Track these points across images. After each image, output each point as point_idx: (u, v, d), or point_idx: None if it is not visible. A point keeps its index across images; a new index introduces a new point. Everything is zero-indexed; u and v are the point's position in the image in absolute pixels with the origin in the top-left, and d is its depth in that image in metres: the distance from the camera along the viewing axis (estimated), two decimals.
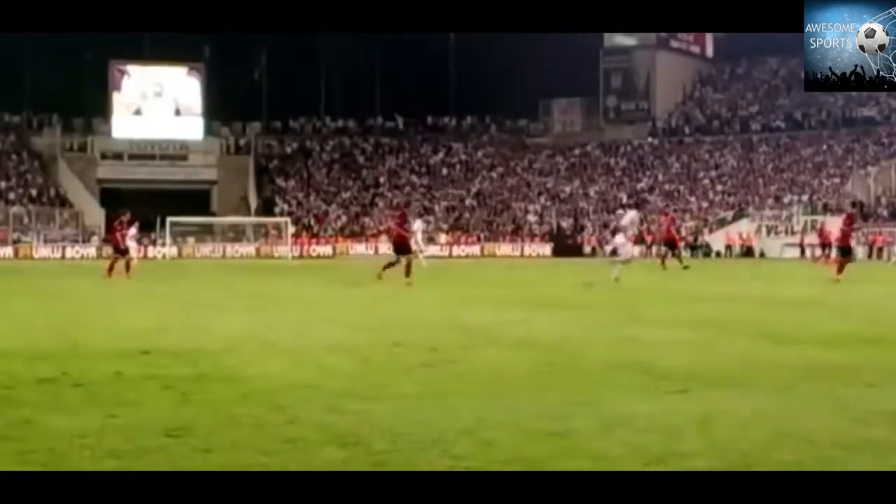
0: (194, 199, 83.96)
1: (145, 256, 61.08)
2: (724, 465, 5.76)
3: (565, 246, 78.91)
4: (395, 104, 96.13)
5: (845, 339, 12.35)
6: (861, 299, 21.84)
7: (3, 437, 6.54)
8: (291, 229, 76.97)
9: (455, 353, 10.85)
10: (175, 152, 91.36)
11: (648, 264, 42.32)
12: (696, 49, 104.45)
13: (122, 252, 33.35)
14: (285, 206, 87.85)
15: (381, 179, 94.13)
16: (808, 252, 68.78)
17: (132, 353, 10.81)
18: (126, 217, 34.79)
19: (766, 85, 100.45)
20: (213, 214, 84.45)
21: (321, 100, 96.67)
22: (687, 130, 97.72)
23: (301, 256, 72.95)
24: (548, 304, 19.54)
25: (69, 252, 72.87)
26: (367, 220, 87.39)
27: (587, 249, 77.69)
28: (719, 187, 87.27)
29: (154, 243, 71.60)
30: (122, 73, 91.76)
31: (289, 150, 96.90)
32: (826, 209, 74.52)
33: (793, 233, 73.33)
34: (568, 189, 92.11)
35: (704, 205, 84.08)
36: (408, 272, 27.65)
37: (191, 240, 69.84)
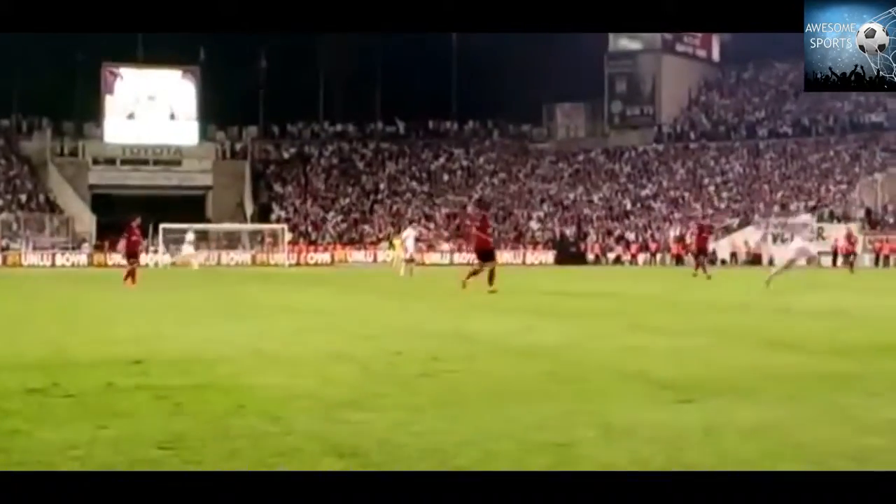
0: (189, 205, 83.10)
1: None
2: None
3: (568, 254, 78.55)
4: (396, 108, 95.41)
5: (852, 348, 12.25)
6: (867, 308, 21.80)
7: None
8: (288, 236, 76.07)
9: (456, 363, 10.74)
10: (169, 157, 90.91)
11: (653, 271, 40.47)
12: (702, 53, 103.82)
13: (137, 258, 33.26)
14: (282, 213, 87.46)
15: (381, 185, 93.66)
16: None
17: (124, 363, 10.68)
18: (137, 222, 34.43)
19: (772, 90, 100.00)
20: (208, 221, 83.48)
21: (320, 104, 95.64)
22: (692, 136, 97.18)
23: (298, 264, 72.97)
24: (551, 313, 19.42)
25: (59, 259, 73.20)
26: (366, 227, 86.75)
27: (590, 257, 76.69)
28: (725, 194, 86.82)
29: (147, 250, 70.38)
30: (115, 75, 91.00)
31: (286, 155, 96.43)
32: (833, 217, 73.34)
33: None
34: (571, 196, 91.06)
35: (710, 212, 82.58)
36: (491, 280, 26.37)
37: (185, 247, 68.35)
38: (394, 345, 12.39)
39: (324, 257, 77.70)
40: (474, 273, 27.40)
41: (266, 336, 13.96)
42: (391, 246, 73.79)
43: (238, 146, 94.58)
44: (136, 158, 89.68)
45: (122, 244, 36.83)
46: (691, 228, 70.75)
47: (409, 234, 48.09)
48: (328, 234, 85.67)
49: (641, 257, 78.17)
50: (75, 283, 34.98)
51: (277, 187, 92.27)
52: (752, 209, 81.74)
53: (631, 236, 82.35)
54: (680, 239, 78.08)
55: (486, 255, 27.93)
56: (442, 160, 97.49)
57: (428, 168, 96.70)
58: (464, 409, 7.86)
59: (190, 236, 65.28)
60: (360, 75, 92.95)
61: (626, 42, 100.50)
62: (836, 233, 68.84)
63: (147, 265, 64.48)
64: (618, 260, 78.36)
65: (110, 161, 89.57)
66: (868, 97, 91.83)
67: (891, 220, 72.41)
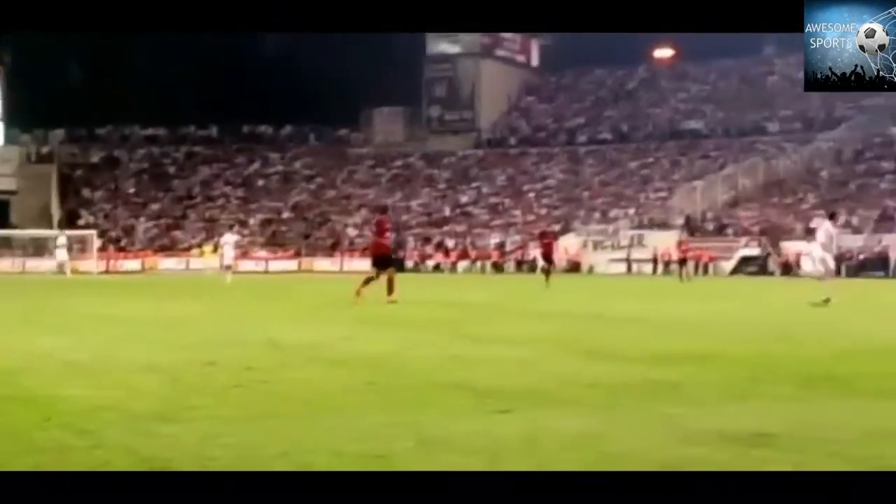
0: None
1: None
2: None
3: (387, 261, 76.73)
4: (210, 111, 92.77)
5: (672, 356, 12.40)
6: (687, 315, 22.37)
7: None
8: (97, 243, 73.72)
9: (271, 373, 10.54)
10: None
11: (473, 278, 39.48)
12: (521, 58, 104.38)
13: None
14: (91, 218, 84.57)
15: (194, 190, 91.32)
16: (634, 267, 68.48)
17: None
18: None
19: (592, 96, 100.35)
20: (12, 227, 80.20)
21: (130, 106, 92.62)
22: (512, 141, 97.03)
23: (107, 271, 70.79)
24: (371, 322, 19.16)
25: None
26: (178, 233, 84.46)
27: (409, 264, 75.63)
28: (545, 200, 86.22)
29: None
30: None
31: (95, 159, 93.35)
32: (652, 224, 73.78)
33: (619, 248, 73.29)
34: (389, 201, 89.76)
35: (530, 218, 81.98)
36: (390, 289, 24.66)
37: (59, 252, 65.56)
38: (207, 354, 12.14)
39: (133, 264, 75.51)
40: (369, 281, 25.14)
41: (73, 346, 13.53)
42: (202, 253, 71.89)
43: (45, 149, 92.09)
44: None
45: None
46: (515, 236, 70.47)
47: (229, 239, 46.84)
48: (138, 240, 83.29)
49: (461, 265, 77.43)
50: None
51: (86, 192, 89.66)
52: (573, 216, 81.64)
53: (450, 243, 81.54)
54: (500, 246, 77.68)
55: (383, 261, 25.96)
56: (257, 165, 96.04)
57: (242, 173, 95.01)
58: (279, 421, 7.72)
59: (62, 240, 62.73)
60: (173, 78, 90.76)
61: (445, 45, 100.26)
62: (657, 240, 69.14)
63: None
64: (437, 267, 77.57)
65: None
66: (687, 104, 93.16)
67: (710, 228, 72.95)
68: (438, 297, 30.26)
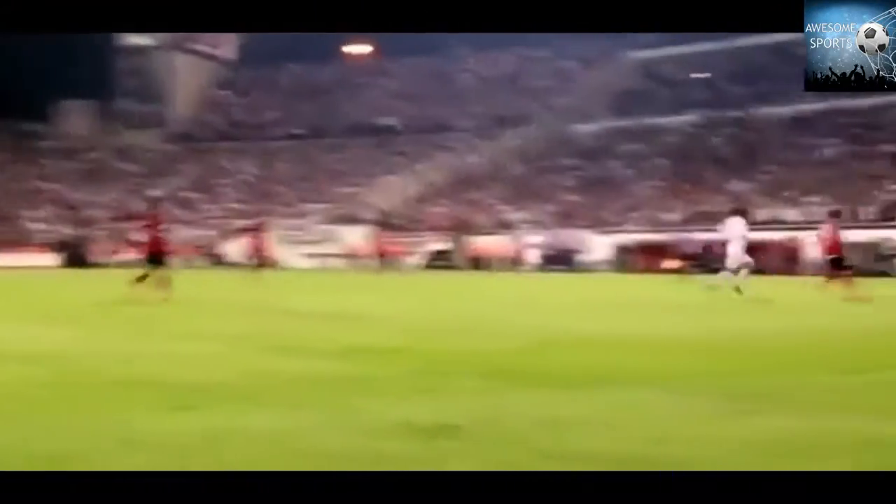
0: None
1: None
2: None
3: (75, 257, 74.98)
4: None
5: (362, 350, 12.50)
6: (379, 309, 22.35)
7: None
8: None
9: None
10: None
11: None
12: (216, 52, 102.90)
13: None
14: None
15: None
16: (325, 261, 68.70)
17: None
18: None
19: (287, 91, 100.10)
20: None
21: None
22: (205, 136, 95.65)
23: None
24: (54, 319, 18.66)
25: None
26: None
27: (98, 260, 73.55)
28: (238, 196, 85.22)
29: None
30: None
31: None
32: (344, 219, 74.18)
33: (311, 242, 73.87)
34: (78, 196, 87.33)
35: (222, 214, 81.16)
36: (163, 287, 23.60)
37: None
38: None
39: None
40: (142, 278, 24.10)
41: None
42: None
43: None
44: None
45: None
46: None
47: None
48: None
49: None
50: None
51: None
52: (266, 211, 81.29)
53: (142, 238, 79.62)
54: (195, 241, 76.90)
55: (156, 258, 24.70)
56: None
57: None
58: None
59: None
60: None
61: (137, 38, 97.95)
62: (349, 235, 69.62)
63: None
64: (126, 263, 75.76)
65: None
66: (381, 100, 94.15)
67: (401, 223, 73.97)
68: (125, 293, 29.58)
